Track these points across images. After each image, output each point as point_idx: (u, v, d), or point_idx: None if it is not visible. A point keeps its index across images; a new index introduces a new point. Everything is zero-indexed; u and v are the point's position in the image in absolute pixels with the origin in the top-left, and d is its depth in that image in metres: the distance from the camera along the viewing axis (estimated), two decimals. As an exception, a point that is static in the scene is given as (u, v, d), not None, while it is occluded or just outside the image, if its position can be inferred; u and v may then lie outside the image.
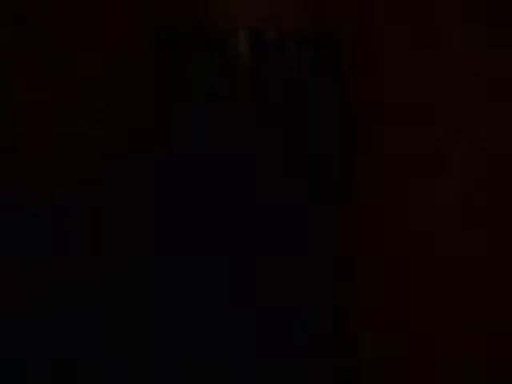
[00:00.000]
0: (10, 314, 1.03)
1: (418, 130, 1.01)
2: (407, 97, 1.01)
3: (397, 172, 1.06)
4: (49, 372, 1.05)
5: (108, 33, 1.05)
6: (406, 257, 1.07)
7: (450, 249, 1.01)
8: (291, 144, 1.07)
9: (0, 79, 0.98)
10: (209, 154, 1.12)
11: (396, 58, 1.01)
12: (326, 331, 1.16)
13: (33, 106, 1.03)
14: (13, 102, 1.01)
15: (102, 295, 1.13)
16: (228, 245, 1.14)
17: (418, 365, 1.08)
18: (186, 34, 1.05)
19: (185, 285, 1.18)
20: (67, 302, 1.10)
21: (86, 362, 1.09)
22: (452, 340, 1.04)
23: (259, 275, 1.12)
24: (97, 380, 1.09)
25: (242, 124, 1.05)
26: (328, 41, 1.01)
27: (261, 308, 1.13)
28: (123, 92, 1.09)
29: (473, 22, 0.90)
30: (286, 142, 1.06)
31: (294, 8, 1.04)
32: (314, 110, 1.05)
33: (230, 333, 1.16)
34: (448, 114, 0.97)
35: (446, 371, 1.05)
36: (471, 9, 0.90)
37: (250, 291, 1.14)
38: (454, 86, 0.95)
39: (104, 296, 1.13)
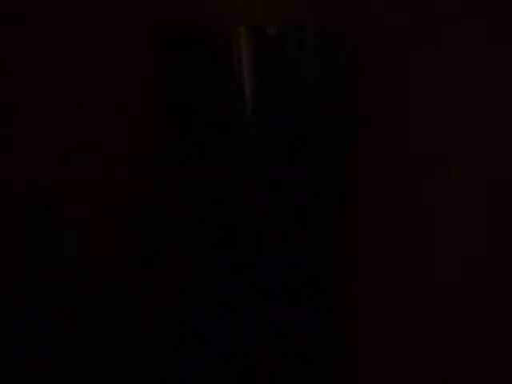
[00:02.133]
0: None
1: (418, 129, 1.01)
2: (407, 96, 1.01)
3: (398, 172, 1.06)
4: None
5: (108, 33, 1.05)
6: (406, 257, 1.07)
7: (451, 249, 1.01)
8: (292, 142, 1.07)
9: (0, 79, 0.98)
10: (209, 153, 1.12)
11: (396, 57, 1.01)
12: (326, 330, 1.16)
13: (33, 106, 1.02)
14: (13, 102, 1.01)
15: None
16: (225, 244, 1.14)
17: (418, 365, 1.08)
18: (186, 33, 1.05)
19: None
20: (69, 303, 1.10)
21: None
22: (452, 339, 1.04)
23: (259, 275, 1.12)
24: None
25: (243, 123, 1.05)
26: (330, 39, 1.01)
27: (262, 307, 1.13)
28: (123, 92, 1.09)
29: (473, 22, 0.90)
30: (287, 140, 1.06)
31: (295, 6, 1.04)
32: (315, 108, 1.05)
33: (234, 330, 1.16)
34: (448, 114, 0.97)
35: (446, 371, 1.05)
36: (471, 9, 0.90)
37: (251, 291, 1.14)
38: (454, 86, 0.95)
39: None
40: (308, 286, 1.12)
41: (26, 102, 1.01)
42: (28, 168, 1.04)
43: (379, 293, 1.11)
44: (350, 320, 1.16)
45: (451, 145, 0.98)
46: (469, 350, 1.01)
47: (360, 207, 1.11)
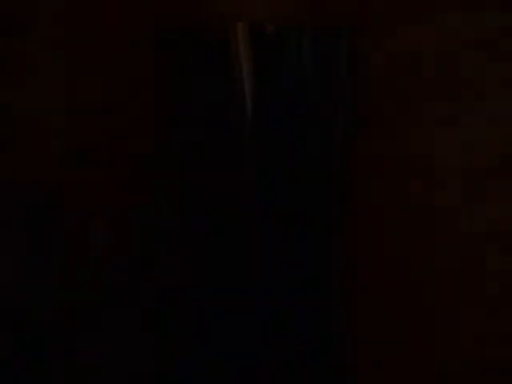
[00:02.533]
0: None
1: (418, 129, 1.01)
2: (407, 96, 1.01)
3: (398, 172, 1.06)
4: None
5: (108, 33, 1.05)
6: (406, 257, 1.07)
7: (451, 249, 1.01)
8: (291, 142, 1.07)
9: (0, 79, 0.99)
10: (209, 153, 1.12)
11: (396, 57, 1.01)
12: (326, 330, 1.16)
13: (33, 106, 1.02)
14: (13, 102, 1.01)
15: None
16: (224, 244, 1.14)
17: (418, 365, 1.08)
18: (186, 33, 1.05)
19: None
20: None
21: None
22: (452, 339, 1.04)
23: (258, 275, 1.12)
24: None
25: (243, 122, 1.05)
26: (329, 39, 1.01)
27: (261, 307, 1.13)
28: (123, 92, 1.09)
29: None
30: (286, 140, 1.06)
31: (295, 6, 1.04)
32: (314, 108, 1.05)
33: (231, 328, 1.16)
34: (448, 114, 0.97)
35: (446, 371, 1.05)
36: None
37: (250, 291, 1.14)
38: (454, 85, 0.95)
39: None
40: (308, 286, 1.12)
41: (26, 102, 1.01)
42: (28, 168, 1.04)
43: (379, 293, 1.11)
44: (349, 320, 1.16)
45: (451, 145, 0.98)
46: (469, 350, 1.01)
47: (360, 207, 1.11)
